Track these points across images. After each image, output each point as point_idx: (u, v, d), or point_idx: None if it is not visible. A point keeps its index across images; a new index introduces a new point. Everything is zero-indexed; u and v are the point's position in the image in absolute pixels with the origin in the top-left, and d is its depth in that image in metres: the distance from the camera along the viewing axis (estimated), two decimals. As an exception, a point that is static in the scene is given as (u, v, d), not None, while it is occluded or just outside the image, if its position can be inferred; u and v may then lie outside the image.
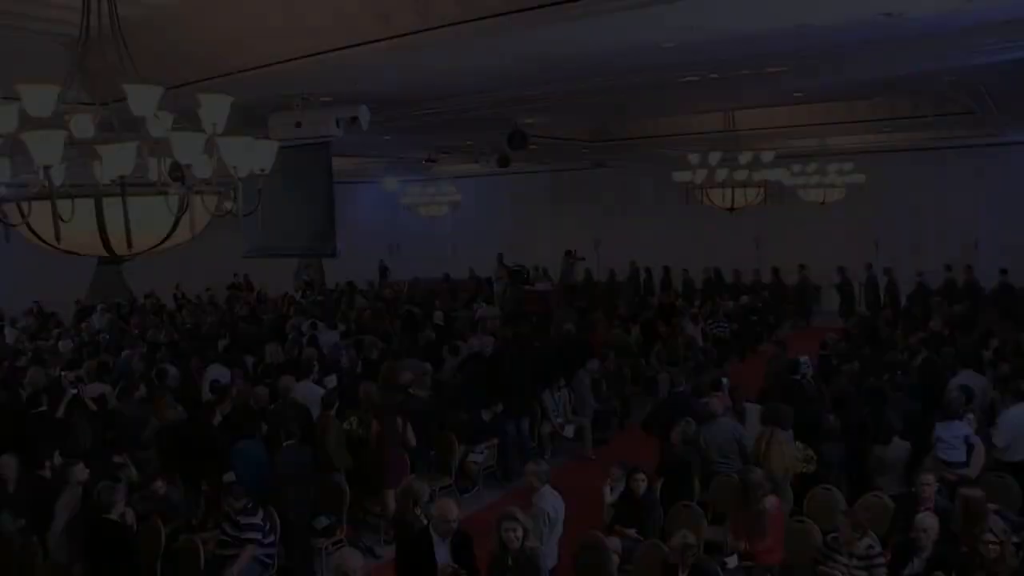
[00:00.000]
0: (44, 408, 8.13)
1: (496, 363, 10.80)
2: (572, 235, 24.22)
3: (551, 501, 6.11)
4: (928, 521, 5.72)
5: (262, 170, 4.84)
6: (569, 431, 10.67)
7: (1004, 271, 16.71)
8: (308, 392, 9.19)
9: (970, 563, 5.50)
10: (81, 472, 6.20)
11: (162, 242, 4.68)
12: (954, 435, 7.01)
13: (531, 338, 11.96)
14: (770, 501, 6.33)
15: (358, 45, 6.13)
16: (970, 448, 6.97)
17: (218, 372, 10.17)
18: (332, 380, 9.94)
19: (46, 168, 4.01)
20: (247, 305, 17.52)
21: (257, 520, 6.51)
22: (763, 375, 10.54)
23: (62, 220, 4.12)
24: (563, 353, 11.50)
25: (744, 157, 12.48)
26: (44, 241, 4.47)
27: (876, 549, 5.86)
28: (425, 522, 5.95)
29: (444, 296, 18.25)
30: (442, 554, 5.12)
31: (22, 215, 4.32)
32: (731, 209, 12.71)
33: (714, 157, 12.18)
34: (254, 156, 4.68)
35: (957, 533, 6.02)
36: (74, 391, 8.50)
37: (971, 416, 7.20)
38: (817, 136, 15.01)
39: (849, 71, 8.09)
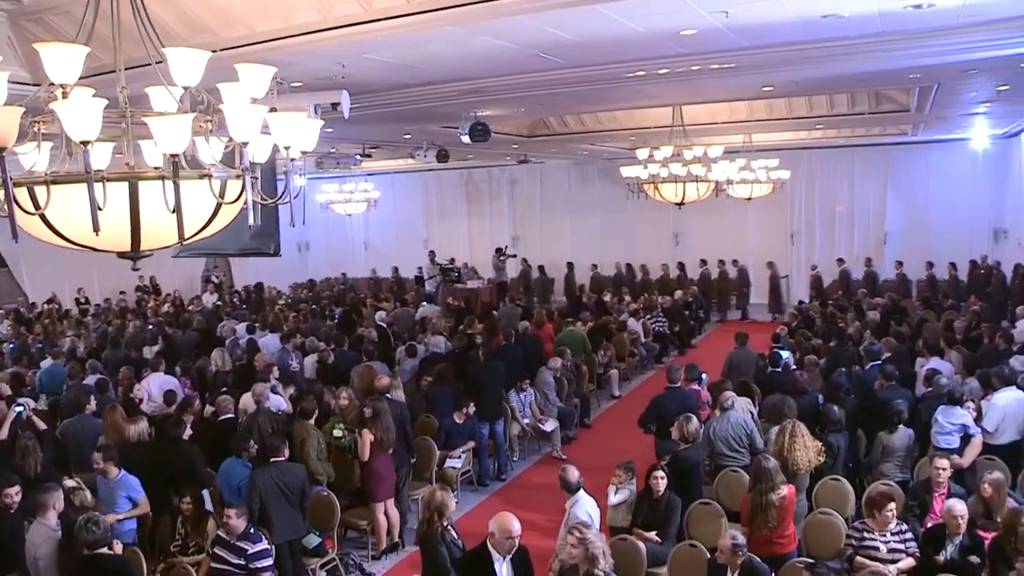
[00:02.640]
0: (-22, 429, 7.16)
1: (464, 364, 10.39)
2: (489, 233, 24.02)
3: (585, 507, 5.81)
4: (960, 508, 5.77)
5: (303, 153, 4.34)
6: (549, 425, 10.39)
7: (931, 264, 17.59)
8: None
9: (1003, 548, 5.58)
10: (58, 501, 5.41)
11: (197, 233, 4.10)
12: (951, 421, 7.17)
13: (494, 338, 11.55)
14: (781, 492, 6.21)
15: (377, 21, 5.64)
16: (966, 437, 7.14)
17: (162, 381, 9.30)
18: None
19: (83, 144, 3.39)
20: (155, 310, 16.33)
21: (265, 545, 5.89)
22: (724, 369, 10.57)
23: (99, 209, 3.50)
24: (525, 353, 11.20)
25: (690, 152, 12.55)
26: (61, 235, 3.81)
27: (906, 527, 5.91)
28: (454, 534, 5.58)
29: (373, 294, 17.59)
30: (504, 572, 4.73)
31: (36, 205, 3.64)
32: (680, 204, 12.75)
33: (665, 151, 12.17)
34: (304, 135, 4.18)
35: (974, 517, 6.17)
36: (20, 409, 7.50)
37: (971, 404, 7.38)
38: (752, 132, 15.32)
39: (835, 67, 8.18)
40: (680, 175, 12.28)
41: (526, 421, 10.37)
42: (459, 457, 9.03)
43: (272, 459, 6.53)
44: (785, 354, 9.30)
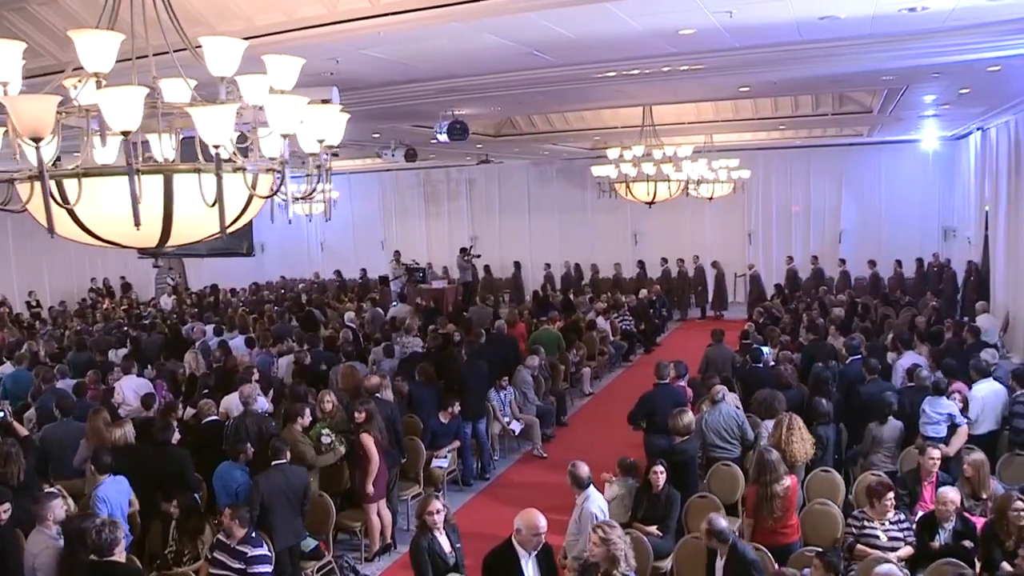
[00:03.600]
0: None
1: (443, 364, 10.33)
2: (447, 233, 23.94)
3: (597, 503, 5.84)
4: (953, 494, 5.98)
5: (329, 147, 4.26)
6: (516, 427, 10.39)
7: (873, 263, 18.13)
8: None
9: (996, 531, 5.79)
10: (56, 509, 5.20)
11: (228, 226, 4.00)
12: (937, 411, 7.41)
13: (470, 337, 11.53)
14: (784, 483, 6.35)
15: (384, 15, 5.57)
16: (953, 427, 7.39)
17: (137, 384, 9.04)
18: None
19: (124, 135, 3.27)
20: (107, 313, 15.85)
21: (265, 551, 5.76)
22: (701, 366, 10.70)
23: (139, 202, 3.38)
24: (504, 352, 11.20)
25: (659, 152, 12.72)
26: (88, 231, 3.66)
27: (904, 517, 6.09)
28: (442, 544, 5.47)
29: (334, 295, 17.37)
30: (530, 569, 4.71)
31: (64, 198, 3.49)
32: (651, 203, 12.91)
33: (637, 150, 12.32)
34: (335, 128, 4.11)
35: (963, 500, 6.39)
36: (1, 413, 7.18)
37: (957, 396, 7.64)
38: (714, 132, 15.58)
39: (817, 68, 8.38)
40: (651, 174, 12.45)
41: (506, 420, 10.37)
42: (445, 457, 8.97)
43: (274, 462, 6.39)
44: (766, 349, 9.49)
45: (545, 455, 10.46)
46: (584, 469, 5.94)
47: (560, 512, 8.23)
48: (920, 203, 18.46)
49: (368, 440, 7.14)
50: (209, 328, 12.27)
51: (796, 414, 7.65)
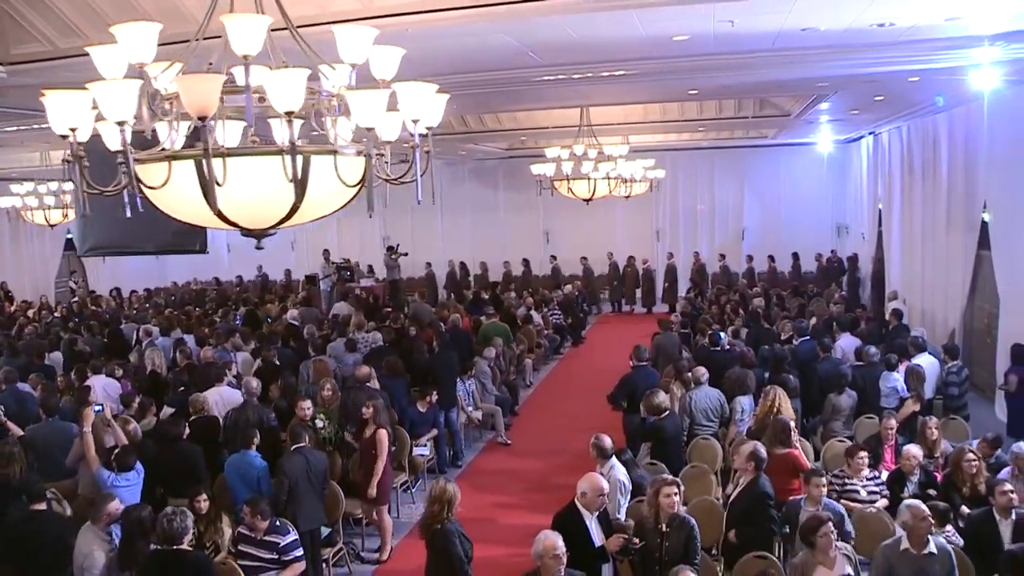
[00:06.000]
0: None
1: (408, 356, 10.50)
2: (359, 233, 23.76)
3: (623, 470, 6.26)
4: (916, 451, 6.80)
5: (428, 128, 4.46)
6: (477, 414, 10.68)
7: (751, 258, 19.57)
8: (231, 397, 8.37)
9: (954, 481, 6.64)
10: (114, 508, 5.12)
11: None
12: (887, 385, 8.31)
13: (430, 332, 11.73)
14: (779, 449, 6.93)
15: (418, 12, 5.78)
16: (903, 399, 8.29)
17: (105, 383, 8.78)
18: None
19: (288, 115, 3.42)
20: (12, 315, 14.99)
21: (295, 536, 5.84)
22: (651, 352, 11.30)
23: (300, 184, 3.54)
24: (462, 345, 11.47)
25: (594, 151, 13.32)
26: (219, 213, 3.74)
27: (877, 473, 6.86)
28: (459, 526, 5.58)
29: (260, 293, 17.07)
30: (594, 529, 5.09)
31: (208, 178, 3.58)
32: (589, 199, 13.47)
33: (577, 149, 12.86)
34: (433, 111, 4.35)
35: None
36: (-6, 414, 6.84)
37: (900, 369, 8.56)
38: (632, 134, 16.28)
39: (773, 73, 9.10)
40: (589, 173, 13.01)
41: (470, 409, 10.63)
42: (425, 445, 9.17)
43: (294, 446, 6.46)
44: (723, 335, 10.23)
45: (509, 442, 10.81)
46: (607, 440, 6.33)
47: (533, 493, 8.70)
48: (815, 201, 19.98)
49: (383, 436, 7.22)
50: (156, 328, 11.92)
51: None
